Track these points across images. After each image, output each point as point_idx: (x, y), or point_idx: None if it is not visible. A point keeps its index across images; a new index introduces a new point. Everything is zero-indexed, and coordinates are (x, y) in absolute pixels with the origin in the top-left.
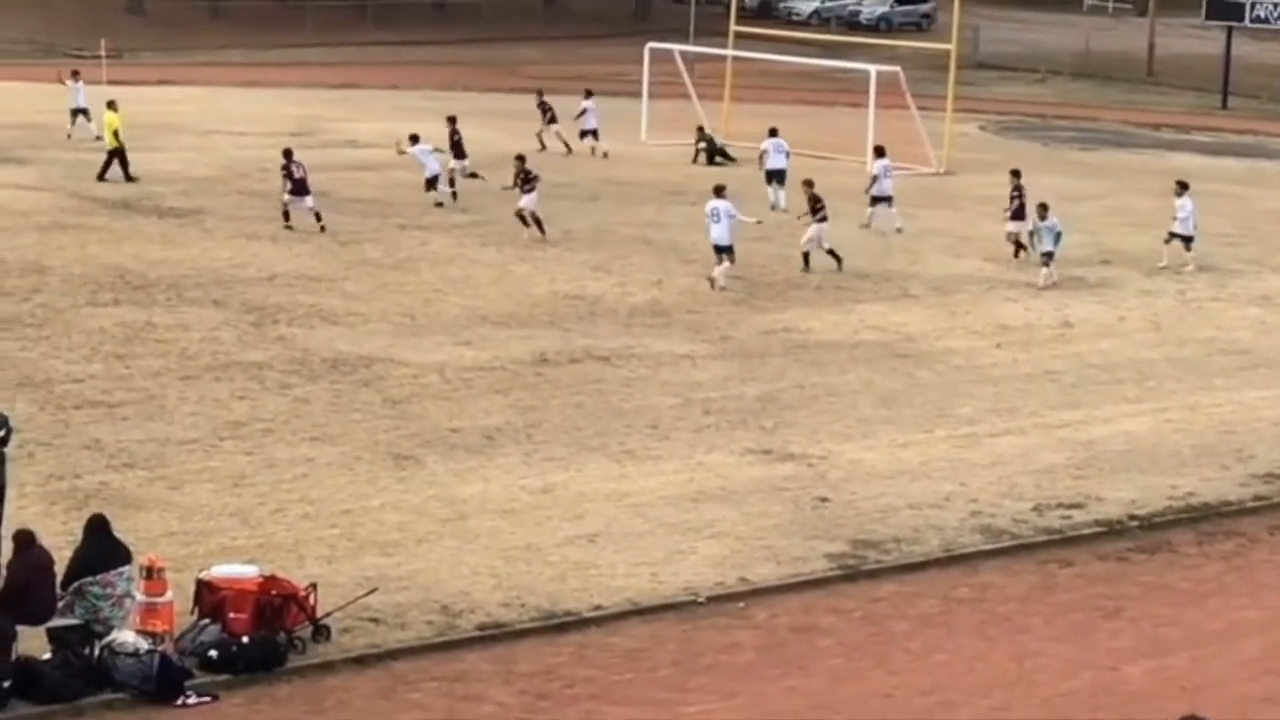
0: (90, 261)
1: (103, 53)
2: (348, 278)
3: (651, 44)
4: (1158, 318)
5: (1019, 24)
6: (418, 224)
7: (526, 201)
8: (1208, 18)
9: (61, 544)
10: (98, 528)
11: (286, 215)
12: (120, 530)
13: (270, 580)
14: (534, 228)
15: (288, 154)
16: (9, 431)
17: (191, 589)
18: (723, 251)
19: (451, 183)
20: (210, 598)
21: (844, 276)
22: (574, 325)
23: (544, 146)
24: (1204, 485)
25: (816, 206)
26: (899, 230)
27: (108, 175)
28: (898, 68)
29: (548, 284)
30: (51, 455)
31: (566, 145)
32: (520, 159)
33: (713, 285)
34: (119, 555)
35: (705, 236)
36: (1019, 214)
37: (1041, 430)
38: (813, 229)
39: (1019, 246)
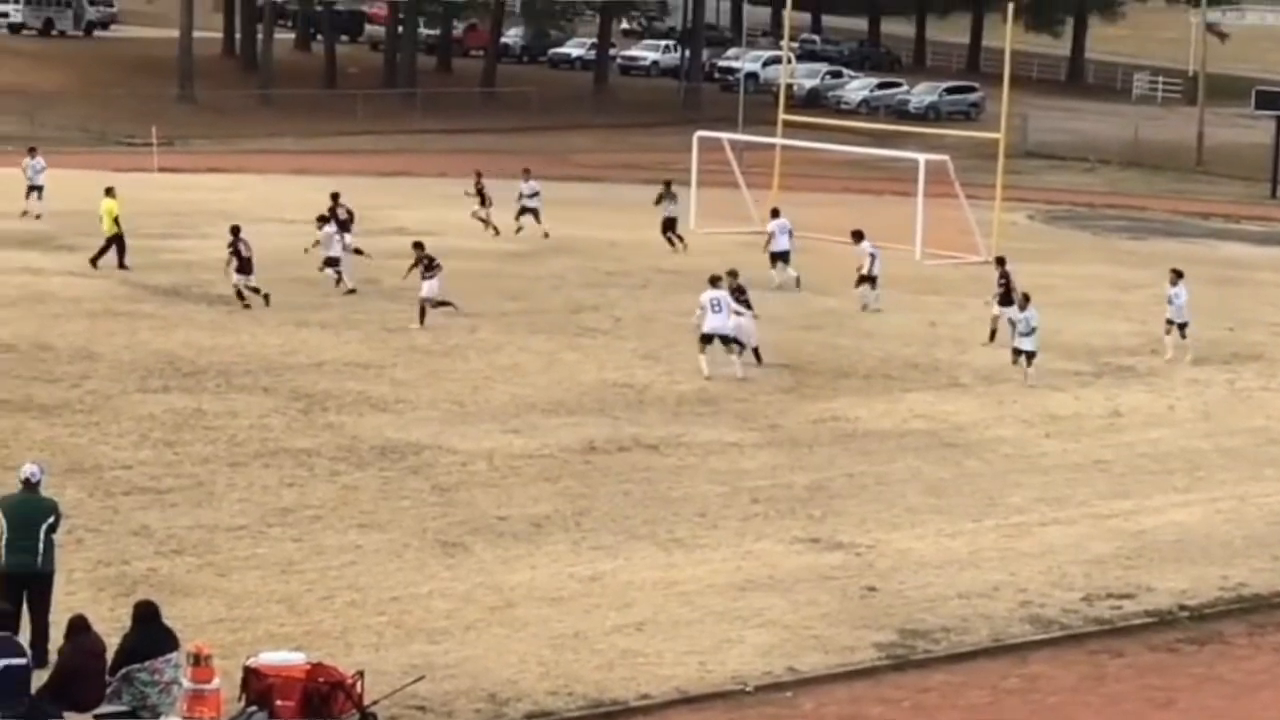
0: (140, 348)
1: (154, 140)
2: (396, 365)
3: (701, 132)
4: (1208, 407)
5: (1067, 113)
6: (466, 311)
7: (427, 289)
8: (1257, 107)
9: (110, 630)
10: (146, 614)
11: (240, 294)
12: (168, 617)
13: (318, 667)
14: (429, 313)
15: (235, 231)
16: (58, 518)
17: (239, 676)
18: (727, 341)
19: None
20: (257, 685)
21: (893, 365)
22: (622, 413)
23: (495, 230)
24: (1255, 576)
25: (739, 299)
26: (865, 308)
27: (100, 262)
28: (946, 156)
29: (596, 372)
30: (100, 541)
31: (494, 228)
32: (418, 245)
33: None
34: (167, 642)
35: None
36: (1006, 300)
37: (1091, 520)
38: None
39: (994, 332)
